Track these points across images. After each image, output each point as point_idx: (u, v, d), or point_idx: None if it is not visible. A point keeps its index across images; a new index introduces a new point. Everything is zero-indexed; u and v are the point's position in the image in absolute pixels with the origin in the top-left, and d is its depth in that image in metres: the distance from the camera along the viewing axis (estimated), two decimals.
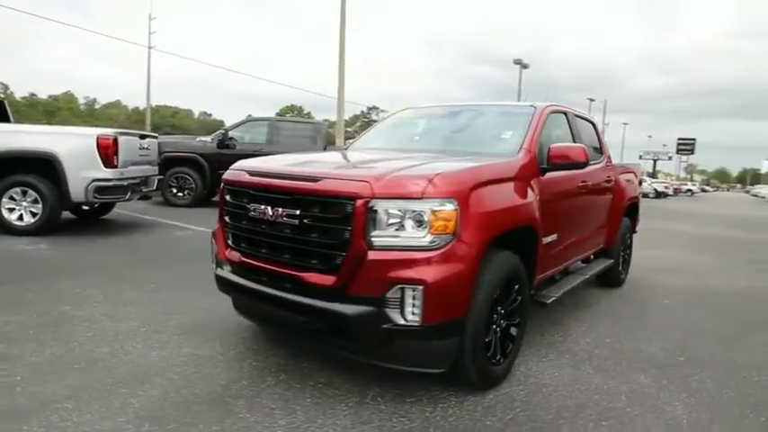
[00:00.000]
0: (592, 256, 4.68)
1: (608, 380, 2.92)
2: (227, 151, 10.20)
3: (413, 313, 2.27)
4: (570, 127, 4.05)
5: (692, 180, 75.72)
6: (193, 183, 10.07)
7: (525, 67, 31.59)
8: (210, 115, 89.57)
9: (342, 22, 17.69)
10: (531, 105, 3.72)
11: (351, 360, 2.80)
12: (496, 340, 2.69)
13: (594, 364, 3.15)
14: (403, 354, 2.43)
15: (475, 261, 2.40)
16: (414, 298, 2.26)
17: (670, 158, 66.95)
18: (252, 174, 2.75)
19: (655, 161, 62.92)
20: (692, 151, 64.55)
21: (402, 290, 2.27)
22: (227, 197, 2.88)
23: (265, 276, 2.65)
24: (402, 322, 2.28)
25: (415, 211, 2.31)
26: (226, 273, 2.88)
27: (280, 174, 2.64)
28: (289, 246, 2.53)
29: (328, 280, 2.37)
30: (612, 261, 4.83)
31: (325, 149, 10.52)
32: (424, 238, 2.30)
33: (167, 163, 9.60)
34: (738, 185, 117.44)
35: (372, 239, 2.31)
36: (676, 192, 42.22)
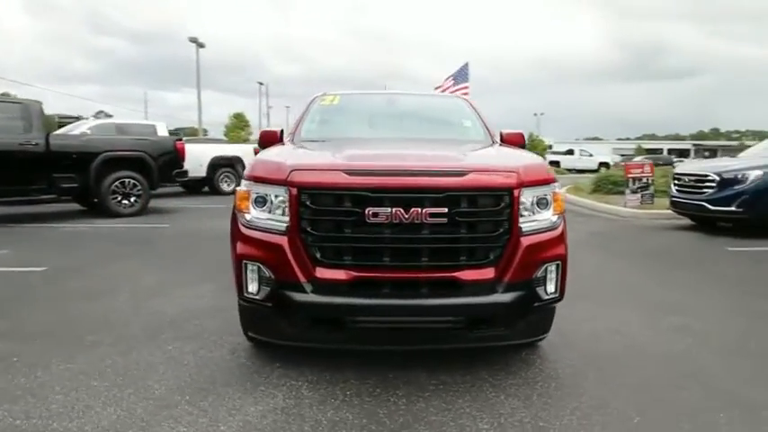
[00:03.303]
0: None
1: (594, 312, 3.73)
2: None
3: (553, 287, 2.52)
4: None
5: None
6: None
7: (201, 46, 30.29)
8: None
9: None
10: (456, 96, 4.17)
11: (417, 355, 2.84)
12: None
13: (574, 306, 3.60)
14: (528, 328, 2.65)
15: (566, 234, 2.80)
16: (553, 273, 2.51)
17: None
18: (354, 173, 2.29)
19: None
20: None
21: (546, 268, 2.48)
22: (309, 203, 2.30)
23: (387, 287, 2.34)
24: (546, 297, 2.50)
25: (541, 196, 2.53)
26: (310, 297, 2.32)
27: (413, 171, 2.32)
28: (432, 247, 2.32)
29: (487, 273, 2.35)
30: None
31: (48, 136, 8.02)
32: (550, 218, 2.55)
33: None
34: None
35: (521, 226, 2.42)
36: None
